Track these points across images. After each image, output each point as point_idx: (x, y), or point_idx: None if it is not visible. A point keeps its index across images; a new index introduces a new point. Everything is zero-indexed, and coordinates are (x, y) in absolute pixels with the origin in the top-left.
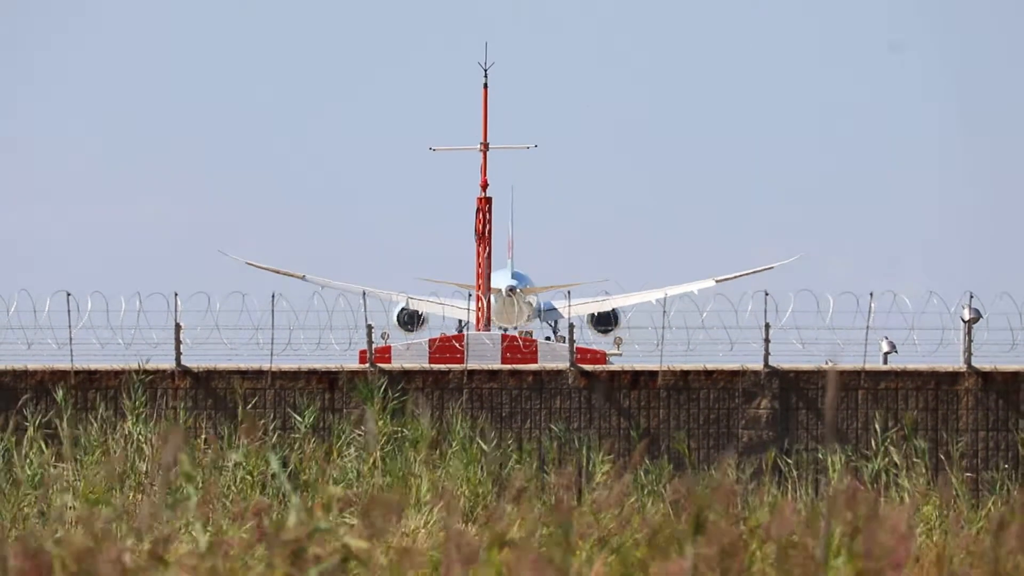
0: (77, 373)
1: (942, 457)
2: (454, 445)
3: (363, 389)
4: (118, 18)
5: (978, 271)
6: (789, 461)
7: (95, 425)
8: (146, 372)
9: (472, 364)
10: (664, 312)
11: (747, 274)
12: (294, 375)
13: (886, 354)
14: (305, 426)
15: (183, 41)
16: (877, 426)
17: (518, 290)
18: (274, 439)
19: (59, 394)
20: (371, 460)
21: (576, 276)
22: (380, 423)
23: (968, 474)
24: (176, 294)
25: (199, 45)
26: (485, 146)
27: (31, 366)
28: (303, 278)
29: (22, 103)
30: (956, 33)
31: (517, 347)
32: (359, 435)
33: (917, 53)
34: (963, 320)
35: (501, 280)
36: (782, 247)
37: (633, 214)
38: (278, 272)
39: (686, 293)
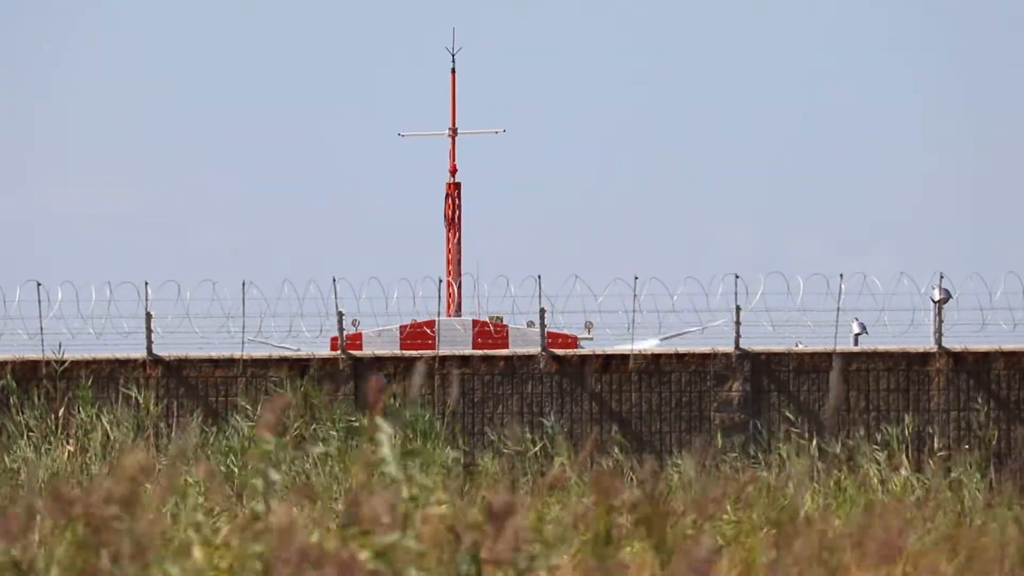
0: (47, 363)
1: (911, 438)
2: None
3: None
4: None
5: (949, 252)
6: (761, 441)
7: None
8: (117, 361)
9: (443, 350)
10: (635, 296)
11: (687, 333)
12: (265, 362)
13: (856, 335)
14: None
15: (148, 27)
16: (850, 407)
17: None
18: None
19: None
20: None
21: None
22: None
23: (940, 454)
24: (146, 283)
25: (165, 32)
26: (453, 131)
27: (1, 356)
28: None
29: None
30: (933, 15)
31: (488, 332)
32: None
33: (892, 31)
34: (933, 301)
35: None
36: (753, 229)
37: (602, 200)
38: None
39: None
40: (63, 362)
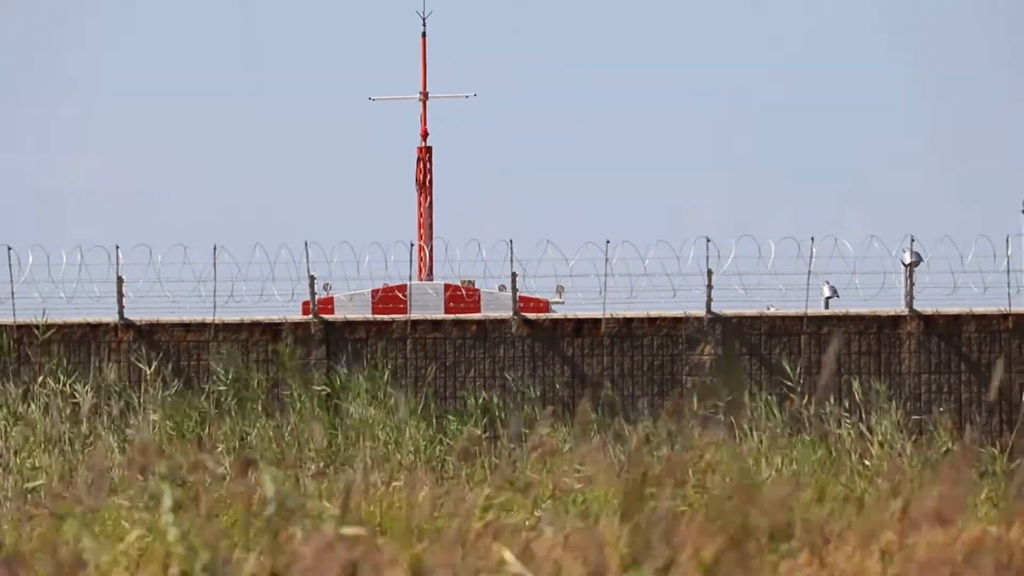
0: (19, 327)
1: (883, 401)
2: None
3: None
4: None
5: (920, 216)
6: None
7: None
8: (88, 325)
9: (415, 314)
10: (606, 260)
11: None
12: (237, 327)
13: (827, 299)
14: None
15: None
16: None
17: None
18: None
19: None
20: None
21: (515, 226)
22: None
23: (914, 416)
24: (117, 247)
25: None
26: (424, 95)
27: None
28: None
29: None
30: None
31: (460, 297)
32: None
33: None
34: (904, 264)
35: None
36: (725, 194)
37: (574, 164)
38: None
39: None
40: (46, 327)
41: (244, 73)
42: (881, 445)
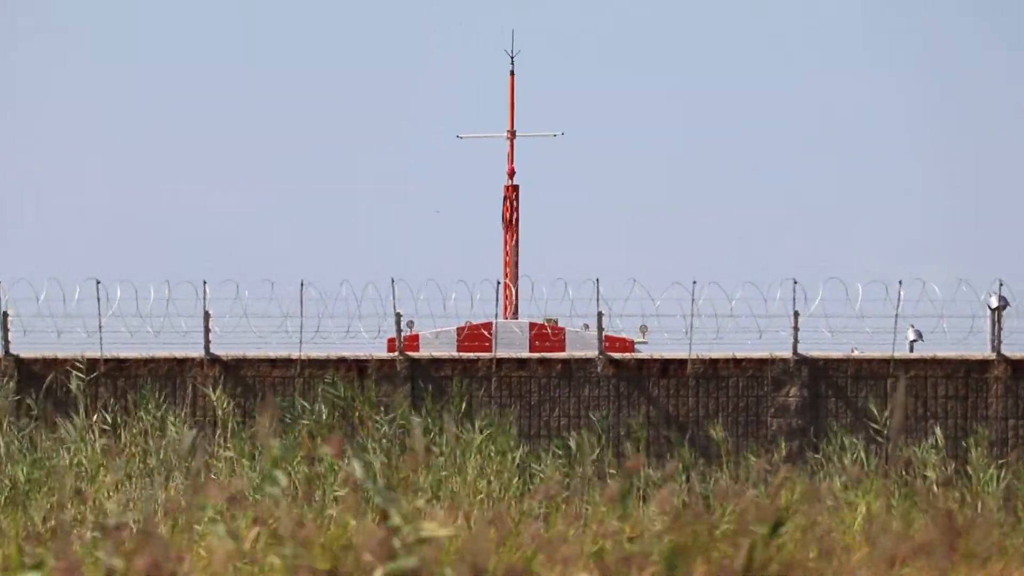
0: (107, 361)
1: (972, 445)
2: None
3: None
4: None
5: (1009, 260)
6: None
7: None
8: (176, 360)
9: (501, 352)
10: (692, 300)
11: None
12: (323, 363)
13: (912, 342)
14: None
15: (205, 25)
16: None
17: None
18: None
19: (74, 383)
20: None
21: (600, 265)
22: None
23: (999, 461)
24: (205, 282)
25: (219, 24)
26: (512, 133)
27: (60, 354)
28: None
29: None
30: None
31: (546, 335)
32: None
33: (954, 32)
34: (990, 308)
35: None
36: (811, 235)
37: (659, 204)
38: None
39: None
40: (122, 360)
41: (336, 110)
42: (972, 491)
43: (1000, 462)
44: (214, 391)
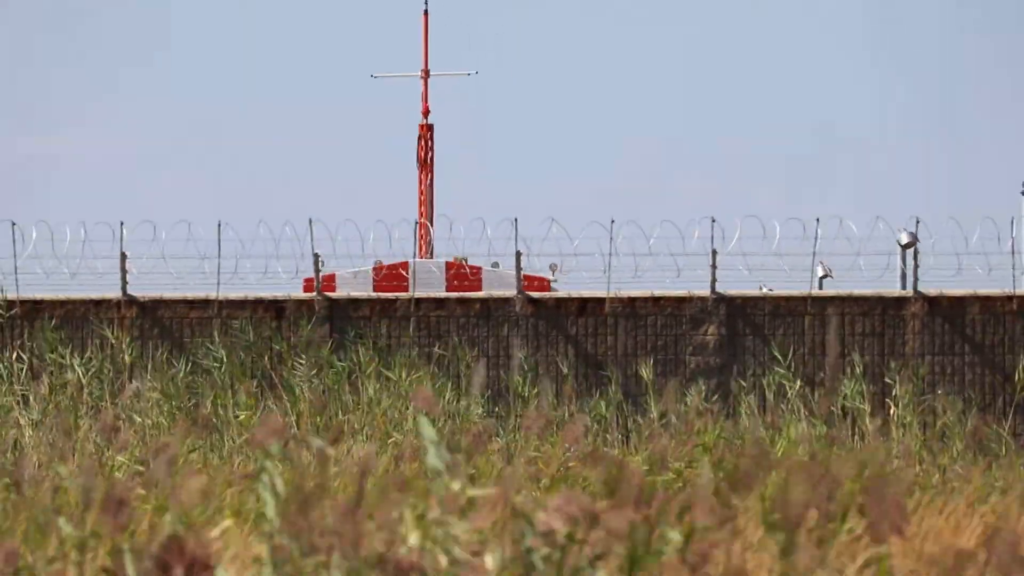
0: (23, 303)
1: (888, 381)
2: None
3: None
4: None
5: (925, 198)
6: (743, 384)
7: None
8: (92, 302)
9: (419, 292)
10: (611, 239)
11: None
12: (241, 303)
13: (822, 278)
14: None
15: None
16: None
17: None
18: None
19: None
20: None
21: (516, 206)
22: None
23: (923, 397)
24: (121, 223)
25: None
26: (426, 72)
27: None
28: None
29: None
30: None
31: (464, 275)
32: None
33: None
34: (900, 244)
35: None
36: (723, 176)
37: (575, 142)
38: None
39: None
40: (38, 301)
41: (246, 51)
42: (895, 425)
43: (920, 398)
44: (131, 333)
